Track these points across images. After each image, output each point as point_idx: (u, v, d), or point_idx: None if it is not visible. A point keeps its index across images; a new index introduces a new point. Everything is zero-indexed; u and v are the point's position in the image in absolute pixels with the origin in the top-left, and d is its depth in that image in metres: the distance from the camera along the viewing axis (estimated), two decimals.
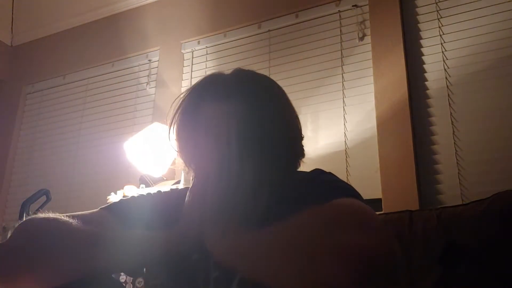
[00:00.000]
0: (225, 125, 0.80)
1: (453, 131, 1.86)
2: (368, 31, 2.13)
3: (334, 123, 2.09)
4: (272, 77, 0.94)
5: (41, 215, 0.76)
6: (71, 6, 3.03)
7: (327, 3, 2.25)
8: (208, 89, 0.85)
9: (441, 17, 2.00)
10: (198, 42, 2.58)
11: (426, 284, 1.24)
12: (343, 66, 2.15)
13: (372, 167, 1.94)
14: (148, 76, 2.70)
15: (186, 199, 0.81)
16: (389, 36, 2.05)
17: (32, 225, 0.75)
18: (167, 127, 0.87)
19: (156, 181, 2.24)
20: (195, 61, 2.58)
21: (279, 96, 0.89)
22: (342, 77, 2.14)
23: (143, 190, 2.13)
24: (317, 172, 0.84)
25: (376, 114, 1.98)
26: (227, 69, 0.90)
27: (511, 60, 1.82)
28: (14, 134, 3.06)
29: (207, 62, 2.53)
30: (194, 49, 2.60)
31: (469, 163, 1.80)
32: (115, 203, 0.89)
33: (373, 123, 1.99)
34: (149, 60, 2.74)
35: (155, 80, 2.66)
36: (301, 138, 0.89)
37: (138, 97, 2.71)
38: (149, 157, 2.13)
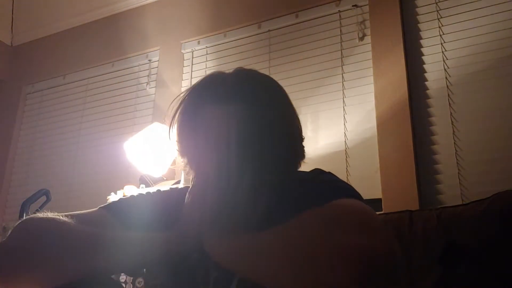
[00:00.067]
0: (225, 125, 0.80)
1: (453, 131, 1.86)
2: (368, 31, 2.13)
3: (334, 123, 2.09)
4: (272, 77, 0.94)
5: (39, 215, 0.76)
6: (71, 6, 3.03)
7: (327, 3, 2.25)
8: (208, 90, 0.85)
9: (441, 17, 2.00)
10: (198, 42, 2.58)
11: (426, 284, 1.24)
12: (343, 66, 2.15)
13: (372, 167, 1.94)
14: (148, 76, 2.70)
15: (186, 199, 0.81)
16: (389, 36, 2.05)
17: (31, 225, 0.75)
18: (168, 126, 0.87)
19: (156, 181, 2.24)
20: (195, 61, 2.58)
21: (279, 96, 0.89)
22: (342, 77, 2.14)
23: (143, 190, 2.13)
24: (317, 172, 0.84)
25: (376, 114, 1.98)
26: (227, 69, 0.90)
27: (511, 60, 1.82)
28: (14, 134, 3.06)
29: (207, 62, 2.53)
30: (194, 49, 2.60)
31: (469, 163, 1.80)
32: (114, 202, 0.89)
33: (373, 123, 1.99)
34: (149, 60, 2.74)
35: (155, 80, 2.66)
36: (302, 139, 0.88)
37: (138, 97, 2.71)
38: (149, 157, 2.13)
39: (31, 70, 3.17)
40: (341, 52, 2.17)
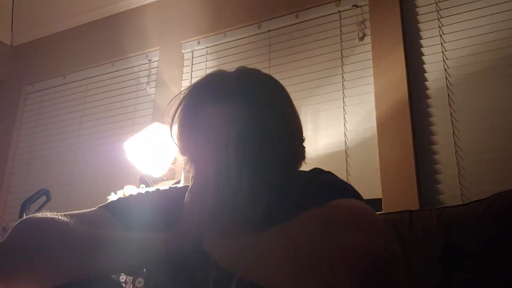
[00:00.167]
0: (225, 125, 0.79)
1: (453, 131, 1.86)
2: (368, 31, 2.13)
3: (334, 123, 2.09)
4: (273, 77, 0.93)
5: (39, 214, 0.76)
6: (71, 6, 3.03)
7: (327, 3, 2.25)
8: (208, 89, 0.84)
9: (441, 17, 2.00)
10: (198, 42, 2.58)
11: (426, 284, 1.23)
12: (343, 66, 2.15)
13: (372, 167, 1.94)
14: (148, 76, 2.70)
15: (186, 198, 0.81)
16: (389, 36, 2.05)
17: (31, 225, 0.75)
18: (168, 125, 0.86)
19: (156, 181, 2.24)
20: (195, 61, 2.58)
21: (280, 97, 0.88)
22: (342, 77, 2.14)
23: (143, 190, 2.13)
24: (317, 172, 0.84)
25: (376, 114, 1.98)
26: (228, 69, 0.89)
27: (511, 60, 1.82)
28: (14, 134, 3.06)
29: (207, 62, 2.53)
30: (194, 49, 2.60)
31: (469, 163, 1.80)
32: (113, 201, 0.89)
33: (373, 123, 1.99)
34: (149, 60, 2.74)
35: (155, 80, 2.66)
36: (302, 139, 0.88)
37: (138, 97, 2.71)
38: (149, 157, 2.13)
39: (31, 70, 3.17)
40: (341, 52, 2.17)
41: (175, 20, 2.69)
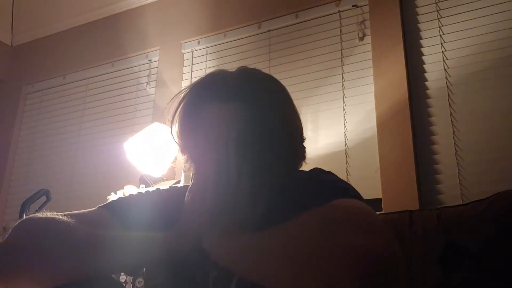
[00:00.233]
0: (225, 125, 0.79)
1: (453, 131, 1.86)
2: (368, 31, 2.13)
3: (334, 123, 2.09)
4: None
5: (39, 214, 0.76)
6: (71, 6, 3.03)
7: (327, 3, 2.25)
8: (209, 89, 0.84)
9: (441, 17, 2.00)
10: (198, 42, 2.58)
11: (426, 284, 1.23)
12: (343, 66, 2.15)
13: (372, 167, 1.94)
14: (148, 76, 2.70)
15: (186, 198, 0.81)
16: (389, 36, 2.05)
17: (31, 225, 0.75)
18: (168, 124, 0.86)
19: (156, 181, 2.24)
20: (195, 61, 2.58)
21: (280, 97, 0.88)
22: (342, 77, 2.14)
23: (143, 190, 2.13)
24: (317, 172, 0.84)
25: (376, 114, 1.98)
26: (228, 69, 0.89)
27: (511, 60, 1.82)
28: (14, 134, 3.06)
29: (207, 62, 2.53)
30: (194, 49, 2.60)
31: (469, 163, 1.80)
32: (113, 201, 0.89)
33: (373, 123, 1.99)
34: (149, 60, 2.73)
35: (155, 80, 2.66)
36: (303, 139, 0.88)
37: (138, 97, 2.71)
38: (149, 157, 2.13)
39: (31, 70, 3.17)
40: (341, 52, 2.17)
41: (175, 20, 2.69)
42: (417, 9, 2.06)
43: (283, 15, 2.35)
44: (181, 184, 2.04)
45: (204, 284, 0.77)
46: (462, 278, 1.20)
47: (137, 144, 2.15)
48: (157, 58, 2.70)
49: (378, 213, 1.44)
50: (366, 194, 0.89)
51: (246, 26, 2.45)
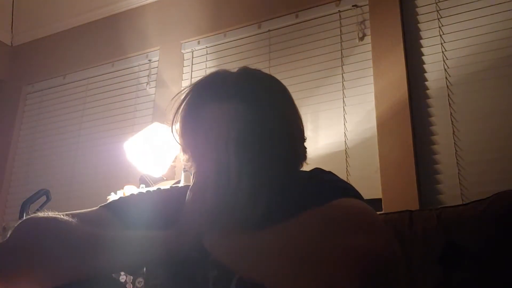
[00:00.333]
0: (225, 125, 0.79)
1: (453, 131, 1.86)
2: (368, 31, 2.13)
3: (334, 123, 2.09)
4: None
5: (40, 214, 0.76)
6: (71, 6, 3.03)
7: (327, 3, 2.25)
8: (209, 89, 0.84)
9: (441, 17, 2.00)
10: (198, 42, 2.58)
11: (426, 284, 1.23)
12: (343, 66, 2.15)
13: (372, 167, 1.94)
14: (148, 76, 2.70)
15: (187, 198, 0.81)
16: (389, 36, 2.05)
17: (31, 225, 0.75)
18: (169, 124, 0.87)
19: (156, 181, 2.24)
20: (195, 61, 2.58)
21: (280, 97, 0.88)
22: (342, 77, 2.14)
23: (143, 190, 2.13)
24: (317, 172, 0.84)
25: (376, 114, 1.98)
26: (229, 69, 0.89)
27: (511, 60, 1.82)
28: (14, 134, 3.06)
29: (207, 62, 2.53)
30: (194, 49, 2.60)
31: (469, 163, 1.80)
32: (114, 201, 0.89)
33: (373, 123, 1.99)
34: (149, 60, 2.74)
35: (155, 80, 2.66)
36: (303, 139, 0.88)
37: (138, 97, 2.71)
38: (149, 157, 2.13)
39: (31, 70, 3.17)
40: (341, 52, 2.17)
41: (175, 20, 2.69)
42: (417, 9, 2.06)
43: (283, 15, 2.35)
44: (181, 184, 2.04)
45: (204, 283, 0.77)
46: (462, 278, 1.20)
47: (137, 144, 2.15)
48: (157, 58, 2.70)
49: (378, 213, 1.44)
50: (366, 194, 0.89)
51: (246, 26, 2.45)
